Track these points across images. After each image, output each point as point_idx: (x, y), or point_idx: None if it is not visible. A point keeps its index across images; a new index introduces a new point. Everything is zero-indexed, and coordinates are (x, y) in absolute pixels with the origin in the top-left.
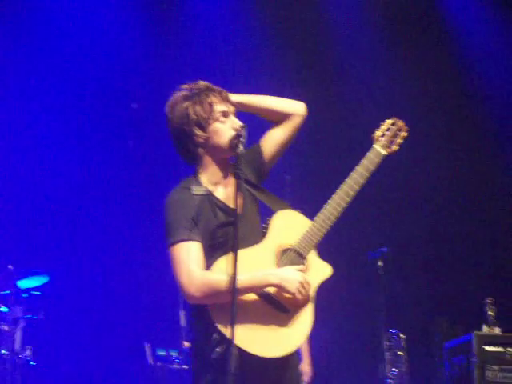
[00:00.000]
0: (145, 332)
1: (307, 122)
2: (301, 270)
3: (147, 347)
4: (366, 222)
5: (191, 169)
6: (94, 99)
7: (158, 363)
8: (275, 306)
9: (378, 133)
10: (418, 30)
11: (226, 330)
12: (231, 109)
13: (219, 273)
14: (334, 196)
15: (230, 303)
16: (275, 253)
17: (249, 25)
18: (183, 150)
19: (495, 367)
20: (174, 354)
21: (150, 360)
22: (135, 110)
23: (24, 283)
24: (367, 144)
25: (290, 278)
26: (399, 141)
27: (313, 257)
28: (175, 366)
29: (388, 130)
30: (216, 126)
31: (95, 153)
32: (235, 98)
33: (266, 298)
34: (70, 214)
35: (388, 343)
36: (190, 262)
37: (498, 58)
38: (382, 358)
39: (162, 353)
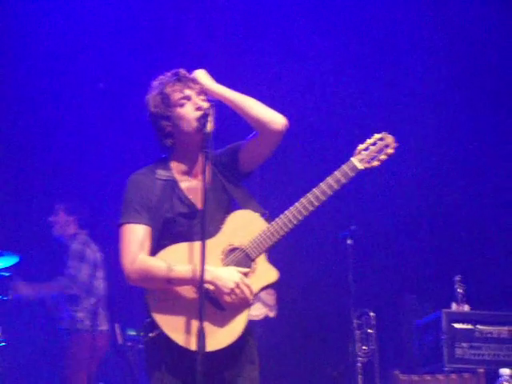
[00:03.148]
0: (115, 312)
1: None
2: (245, 273)
3: (117, 327)
4: (334, 200)
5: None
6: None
7: (128, 343)
8: (212, 303)
9: (361, 146)
10: None
11: (157, 316)
12: (195, 91)
13: (159, 260)
14: (296, 204)
15: (166, 290)
16: (222, 250)
17: None
18: (158, 139)
19: (464, 344)
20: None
21: (120, 340)
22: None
23: None
24: (350, 153)
25: (225, 277)
26: (383, 157)
27: (262, 260)
28: None
29: (374, 144)
30: (177, 111)
31: (71, 130)
32: (215, 87)
33: (205, 293)
34: (41, 195)
35: (358, 321)
36: (134, 245)
37: None
38: (352, 336)
39: (132, 332)
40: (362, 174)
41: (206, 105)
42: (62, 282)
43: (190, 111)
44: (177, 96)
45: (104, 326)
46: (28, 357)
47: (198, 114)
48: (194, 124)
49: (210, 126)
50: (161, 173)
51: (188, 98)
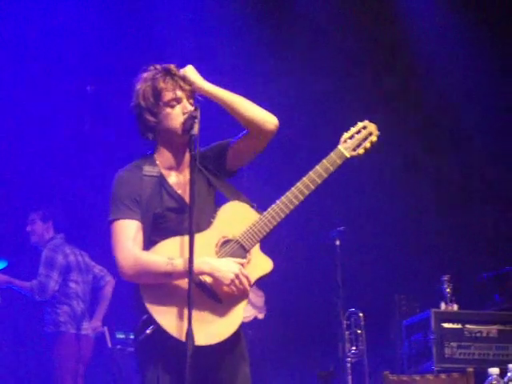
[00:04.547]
0: (103, 315)
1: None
2: (241, 264)
3: (106, 330)
4: (322, 201)
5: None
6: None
7: (117, 346)
8: (209, 295)
9: (346, 134)
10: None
11: (154, 312)
12: (186, 93)
13: (155, 254)
14: (287, 193)
15: (162, 285)
16: (216, 243)
17: None
18: (139, 130)
19: (453, 344)
20: (132, 336)
21: (109, 343)
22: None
23: None
24: (336, 143)
25: (224, 268)
26: (367, 145)
27: (256, 251)
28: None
29: (358, 132)
30: (166, 111)
31: (52, 138)
32: (206, 86)
33: (201, 286)
34: (28, 200)
35: (347, 322)
36: (128, 240)
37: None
38: (341, 336)
39: (121, 336)
40: (349, 175)
41: (193, 109)
42: (30, 289)
43: (178, 114)
44: (168, 96)
45: (88, 330)
46: (16, 359)
47: (184, 117)
48: (180, 127)
49: (196, 128)
50: (147, 169)
51: (179, 101)
